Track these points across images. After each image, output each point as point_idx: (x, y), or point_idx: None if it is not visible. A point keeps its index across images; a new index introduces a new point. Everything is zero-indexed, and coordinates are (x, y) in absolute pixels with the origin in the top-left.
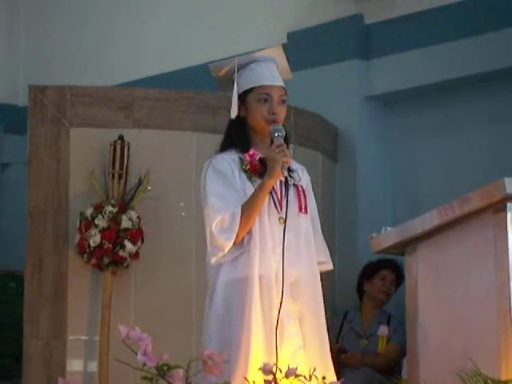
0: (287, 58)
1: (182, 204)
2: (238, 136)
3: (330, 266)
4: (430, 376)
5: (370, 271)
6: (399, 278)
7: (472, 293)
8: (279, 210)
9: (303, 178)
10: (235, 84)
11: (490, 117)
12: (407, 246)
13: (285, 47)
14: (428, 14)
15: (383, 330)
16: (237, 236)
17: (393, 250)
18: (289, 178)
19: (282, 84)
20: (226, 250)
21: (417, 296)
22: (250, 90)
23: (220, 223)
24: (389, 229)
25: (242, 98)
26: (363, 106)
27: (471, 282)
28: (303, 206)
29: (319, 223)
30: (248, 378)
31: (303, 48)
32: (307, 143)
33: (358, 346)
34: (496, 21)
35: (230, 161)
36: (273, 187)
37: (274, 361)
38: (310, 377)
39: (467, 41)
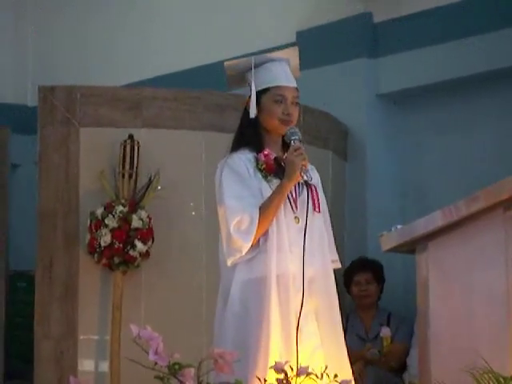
0: None
1: (191, 203)
2: (251, 135)
3: (338, 265)
4: (441, 374)
5: (346, 281)
6: (376, 272)
7: (483, 290)
8: (295, 209)
9: (314, 177)
10: (252, 83)
11: (500, 115)
12: (417, 244)
13: (294, 46)
14: (437, 11)
15: (385, 331)
16: (254, 237)
17: (402, 248)
18: (308, 181)
19: (295, 85)
20: (244, 252)
21: (427, 294)
22: (265, 90)
23: (238, 225)
24: (399, 227)
25: (257, 97)
26: (372, 104)
27: (482, 280)
28: (317, 205)
29: (329, 222)
30: (267, 378)
31: (312, 47)
32: (317, 142)
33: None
34: (505, 18)
35: (245, 160)
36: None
37: (293, 360)
38: (322, 375)
39: (476, 38)
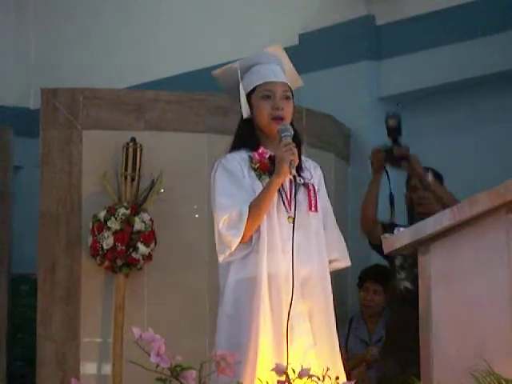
0: (299, 58)
1: (194, 206)
2: (247, 135)
3: (345, 263)
4: (443, 376)
5: (359, 283)
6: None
7: (485, 293)
8: (288, 209)
9: (315, 175)
10: (241, 86)
11: (504, 117)
12: (420, 246)
13: (296, 49)
14: (439, 14)
15: None
16: (244, 234)
17: (405, 250)
18: (297, 177)
19: (284, 80)
20: (233, 248)
21: (430, 296)
22: (254, 89)
23: (227, 221)
24: (401, 229)
25: (248, 99)
26: (375, 106)
27: (484, 282)
28: (313, 205)
29: (334, 219)
30: (257, 378)
31: (315, 49)
32: (320, 144)
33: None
34: (508, 21)
35: (239, 160)
36: (282, 186)
37: (284, 360)
38: (324, 377)
39: (479, 41)
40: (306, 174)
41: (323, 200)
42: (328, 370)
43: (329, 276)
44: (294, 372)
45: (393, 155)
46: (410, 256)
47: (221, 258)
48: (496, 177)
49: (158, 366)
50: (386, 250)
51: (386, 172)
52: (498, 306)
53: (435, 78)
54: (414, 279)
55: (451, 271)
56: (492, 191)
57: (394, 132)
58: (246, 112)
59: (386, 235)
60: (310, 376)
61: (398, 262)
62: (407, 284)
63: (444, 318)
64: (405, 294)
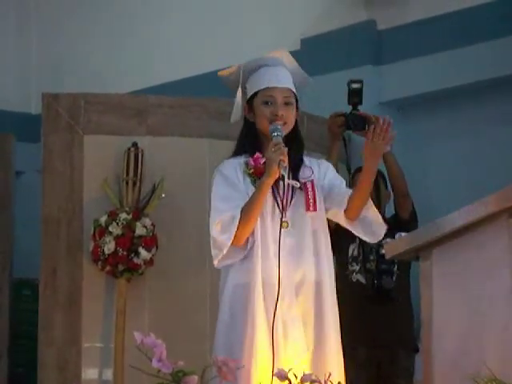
0: (301, 63)
1: (196, 211)
2: (247, 140)
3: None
4: (445, 382)
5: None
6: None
7: (488, 298)
8: (284, 214)
9: (321, 168)
10: (239, 89)
11: (503, 121)
12: (422, 251)
13: (298, 54)
14: (441, 19)
15: None
16: (237, 237)
17: (407, 255)
18: (285, 177)
19: (287, 86)
20: (225, 251)
21: (432, 302)
22: (256, 94)
23: (220, 224)
24: (403, 234)
25: (250, 103)
26: (376, 111)
27: (487, 288)
28: (311, 204)
29: (344, 182)
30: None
31: (316, 54)
32: (320, 149)
33: None
34: (509, 26)
35: (236, 165)
36: (278, 191)
37: (278, 365)
38: (326, 382)
39: (480, 46)
40: (305, 172)
41: (332, 176)
42: (330, 375)
43: (326, 279)
44: (295, 377)
45: (353, 120)
46: (362, 248)
47: (215, 262)
48: (498, 181)
49: (159, 371)
50: (388, 255)
51: (344, 140)
52: (501, 312)
53: (436, 83)
54: (368, 273)
55: (453, 277)
56: (495, 196)
57: (356, 96)
58: (234, 116)
59: (388, 240)
60: (313, 381)
61: (350, 250)
62: (360, 277)
63: (446, 323)
64: (356, 287)
